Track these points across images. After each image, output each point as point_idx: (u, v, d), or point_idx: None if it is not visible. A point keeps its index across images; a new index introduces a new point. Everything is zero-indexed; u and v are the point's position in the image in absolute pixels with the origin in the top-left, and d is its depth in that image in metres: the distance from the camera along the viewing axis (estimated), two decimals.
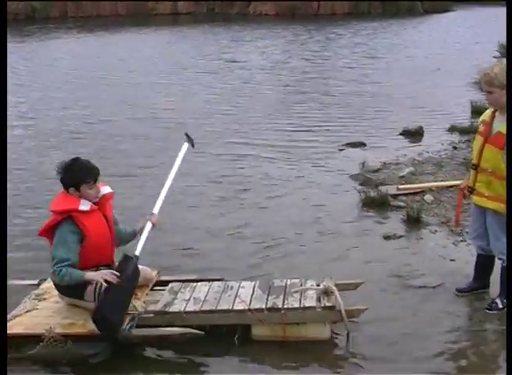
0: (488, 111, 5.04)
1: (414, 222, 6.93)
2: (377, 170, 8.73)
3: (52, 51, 22.64)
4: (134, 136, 10.94)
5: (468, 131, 10.33)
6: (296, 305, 4.71)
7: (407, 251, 6.34)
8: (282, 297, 4.81)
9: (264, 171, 8.94)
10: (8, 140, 9.99)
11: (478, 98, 12.23)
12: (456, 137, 10.51)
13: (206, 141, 10.45)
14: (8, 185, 7.94)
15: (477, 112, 11.05)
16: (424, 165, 8.97)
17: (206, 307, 4.75)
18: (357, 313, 4.78)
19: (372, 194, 7.58)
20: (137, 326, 4.61)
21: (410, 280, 5.67)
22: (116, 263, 4.87)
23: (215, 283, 5.13)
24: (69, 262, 4.56)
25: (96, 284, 4.67)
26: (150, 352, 4.70)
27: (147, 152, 9.78)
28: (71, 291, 4.76)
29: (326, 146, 10.21)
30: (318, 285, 4.93)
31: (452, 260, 6.06)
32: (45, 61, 20.20)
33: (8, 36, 23.83)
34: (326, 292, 4.79)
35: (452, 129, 10.98)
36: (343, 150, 10.01)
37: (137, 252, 4.80)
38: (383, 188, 7.83)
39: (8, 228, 6.05)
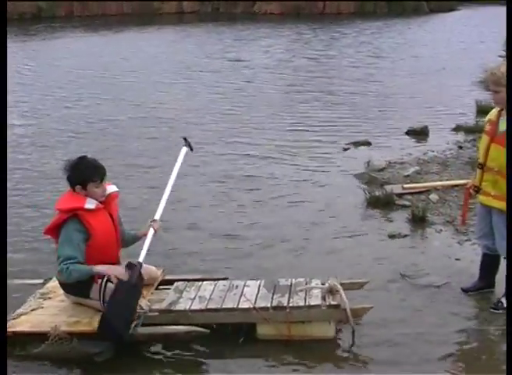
0: (494, 110, 5.03)
1: (419, 221, 6.92)
2: (382, 169, 8.72)
3: (56, 50, 22.68)
4: (137, 135, 10.94)
5: (474, 131, 10.32)
6: (302, 303, 4.70)
7: (412, 251, 6.33)
8: (287, 295, 4.81)
9: (269, 171, 8.94)
10: (11, 139, 10.17)
11: (484, 98, 12.22)
12: (461, 137, 10.50)
13: (210, 140, 10.47)
14: (10, 184, 8.02)
15: (482, 111, 11.07)
16: (430, 164, 8.95)
17: (211, 305, 4.75)
18: (362, 312, 4.78)
19: (377, 193, 7.58)
20: (143, 325, 4.62)
21: (416, 279, 5.66)
22: (122, 263, 4.88)
23: (220, 282, 5.13)
24: (76, 260, 4.56)
25: (101, 283, 4.68)
26: (155, 351, 4.70)
27: (150, 152, 9.79)
28: (76, 289, 4.77)
29: (331, 145, 10.21)
30: (323, 284, 4.93)
31: (457, 259, 6.05)
32: (49, 60, 20.22)
33: (13, 35, 23.91)
34: (331, 291, 4.79)
35: (457, 128, 10.96)
36: (348, 149, 10.01)
37: (141, 259, 4.76)
38: (388, 187, 7.82)
39: (10, 228, 6.10)
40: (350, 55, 20.90)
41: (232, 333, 4.73)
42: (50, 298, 5.02)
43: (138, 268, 4.67)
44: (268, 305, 4.70)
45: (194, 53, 21.56)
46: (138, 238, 5.13)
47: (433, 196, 7.57)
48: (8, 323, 4.61)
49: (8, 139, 9.35)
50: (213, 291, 4.97)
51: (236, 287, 5.00)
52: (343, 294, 4.69)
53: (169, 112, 12.72)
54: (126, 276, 4.58)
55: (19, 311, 4.81)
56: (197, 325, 4.59)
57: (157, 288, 5.17)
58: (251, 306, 4.69)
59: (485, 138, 4.99)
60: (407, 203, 7.43)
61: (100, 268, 4.64)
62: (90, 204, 4.68)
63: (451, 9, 40.43)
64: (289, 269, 5.81)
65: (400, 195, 7.66)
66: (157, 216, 5.08)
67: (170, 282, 5.22)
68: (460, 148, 9.76)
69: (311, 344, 4.66)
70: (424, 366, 4.45)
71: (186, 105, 13.47)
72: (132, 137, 10.89)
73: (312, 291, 4.84)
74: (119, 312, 4.49)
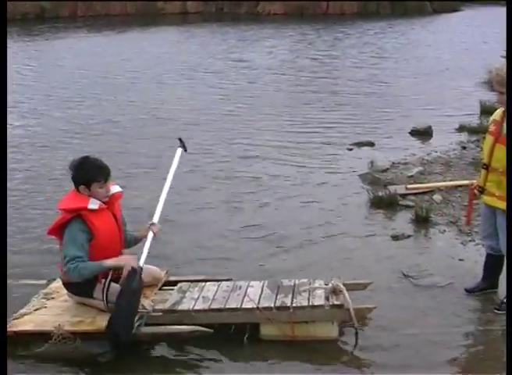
0: (498, 110, 5.03)
1: (422, 221, 6.91)
2: (385, 170, 8.71)
3: (59, 50, 22.67)
4: (140, 136, 10.93)
5: (477, 131, 10.30)
6: (305, 303, 4.70)
7: (416, 251, 6.33)
8: (290, 296, 4.81)
9: (272, 171, 8.93)
10: (12, 139, 10.17)
11: (487, 98, 12.19)
12: (465, 137, 10.48)
13: (213, 141, 10.47)
14: (11, 185, 8.03)
15: (486, 112, 11.05)
16: (433, 164, 8.94)
17: (215, 305, 4.75)
18: (365, 312, 4.79)
19: (381, 193, 7.57)
20: (146, 325, 4.62)
21: (419, 279, 5.66)
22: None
23: (224, 283, 5.13)
24: (82, 259, 4.57)
25: (104, 283, 4.69)
26: (158, 351, 4.71)
27: (153, 152, 9.78)
28: (80, 289, 4.77)
29: (335, 146, 10.20)
30: (326, 285, 4.92)
31: (461, 260, 6.05)
32: (51, 60, 20.21)
33: (15, 35, 23.88)
34: (335, 291, 4.79)
35: (461, 129, 10.94)
36: (351, 149, 10.00)
37: (141, 263, 4.76)
38: (392, 188, 7.81)
39: (11, 229, 6.12)
40: (353, 56, 20.88)
41: (235, 333, 4.73)
42: (53, 298, 5.03)
43: (139, 273, 4.67)
44: (272, 305, 4.70)
45: (198, 53, 21.55)
46: (139, 240, 5.13)
47: (437, 196, 7.56)
48: (11, 323, 4.63)
49: (9, 139, 9.37)
50: (216, 291, 4.97)
51: (240, 287, 5.00)
52: (347, 295, 4.68)
53: (172, 112, 12.72)
54: (136, 264, 4.63)
55: (22, 311, 4.82)
56: (200, 325, 4.59)
57: (160, 289, 5.17)
58: (255, 306, 4.69)
59: (489, 139, 4.99)
60: (410, 204, 7.43)
61: (110, 262, 4.66)
62: (94, 204, 4.68)
63: (454, 10, 40.35)
64: (292, 269, 5.81)
65: (404, 196, 7.65)
66: (155, 219, 5.06)
67: (173, 283, 5.22)
68: (464, 148, 9.75)
69: (314, 344, 4.66)
70: (427, 366, 4.45)
71: (189, 105, 13.46)
72: (134, 137, 10.88)
73: (315, 292, 4.84)
74: (121, 316, 4.51)
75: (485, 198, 5.09)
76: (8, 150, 9.15)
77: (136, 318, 4.60)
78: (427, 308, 5.20)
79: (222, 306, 4.73)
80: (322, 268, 5.81)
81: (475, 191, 5.19)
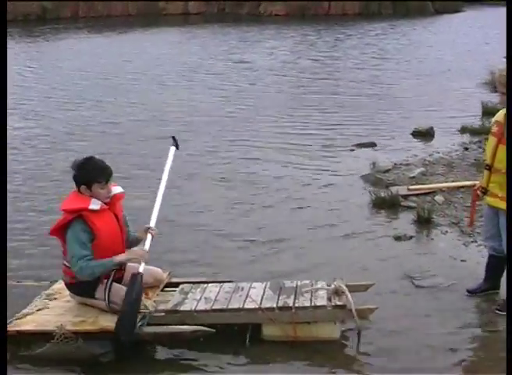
0: (501, 111, 5.02)
1: (424, 222, 6.91)
2: (387, 171, 8.71)
3: (60, 51, 22.71)
4: (140, 137, 10.92)
5: (479, 132, 10.31)
6: (307, 304, 4.70)
7: (418, 252, 6.33)
8: (292, 296, 4.81)
9: (274, 172, 8.92)
10: (13, 141, 10.18)
11: (489, 99, 12.19)
12: (467, 138, 10.48)
13: (215, 142, 10.48)
14: (14, 187, 8.04)
15: (488, 113, 11.06)
16: (435, 165, 8.94)
17: (217, 306, 4.75)
18: (367, 312, 4.77)
19: (383, 194, 7.57)
20: (148, 325, 4.62)
21: (421, 280, 5.65)
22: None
23: (226, 284, 5.12)
24: (90, 257, 4.58)
25: (106, 283, 4.69)
26: (160, 351, 4.71)
27: (154, 153, 9.76)
28: (81, 290, 4.78)
29: (337, 147, 10.20)
30: (328, 286, 4.92)
31: (463, 261, 6.05)
32: (52, 62, 20.25)
33: (16, 36, 23.90)
34: (337, 292, 4.79)
35: (463, 130, 10.94)
36: (353, 150, 10.00)
37: (141, 269, 4.74)
38: (394, 189, 7.81)
39: (12, 231, 6.10)
40: (354, 57, 20.89)
41: (237, 334, 4.72)
42: (56, 298, 5.03)
43: (139, 280, 4.66)
44: (274, 306, 4.70)
45: (199, 54, 21.57)
46: (139, 241, 5.12)
47: (439, 197, 7.56)
48: (14, 323, 4.64)
49: (10, 141, 9.40)
50: (218, 292, 4.97)
51: (242, 288, 5.00)
52: (349, 295, 4.68)
53: (173, 113, 12.72)
54: (146, 256, 4.69)
55: (24, 311, 4.82)
56: (202, 325, 4.59)
57: (162, 290, 5.16)
58: (257, 307, 4.69)
59: (492, 140, 4.99)
60: (412, 204, 7.42)
61: (119, 258, 4.68)
62: (95, 205, 4.67)
63: (456, 10, 40.35)
64: (294, 271, 5.80)
65: (406, 197, 7.64)
66: (152, 222, 4.98)
67: (175, 285, 5.22)
68: (466, 149, 9.74)
69: (316, 345, 4.66)
70: (429, 367, 4.44)
71: (189, 106, 13.46)
72: (135, 138, 10.88)
73: (318, 292, 4.84)
74: (123, 317, 4.52)
75: (488, 199, 5.09)
76: (9, 152, 9.18)
77: (139, 318, 4.60)
78: (429, 309, 5.19)
79: (225, 307, 4.73)
80: (324, 269, 5.80)
81: (478, 192, 5.19)
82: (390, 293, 5.44)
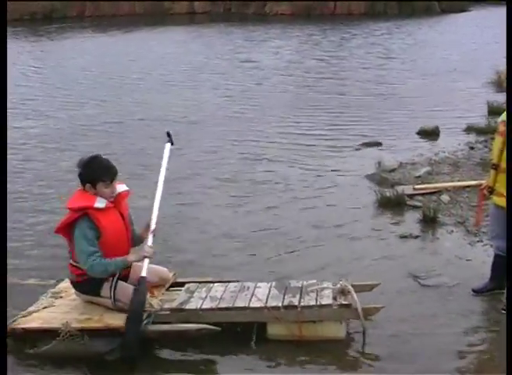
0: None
1: (430, 222, 6.90)
2: (393, 170, 8.70)
3: (65, 51, 22.73)
4: (144, 136, 10.90)
5: (485, 131, 10.27)
6: (313, 303, 4.70)
7: (423, 251, 6.32)
8: (298, 296, 4.81)
9: (280, 173, 8.92)
10: (16, 141, 10.19)
11: (495, 99, 12.16)
12: (472, 138, 10.44)
13: (220, 142, 10.47)
14: (17, 187, 8.06)
15: (493, 112, 11.03)
16: (441, 165, 8.92)
17: (222, 305, 4.75)
18: (373, 312, 4.77)
19: (388, 193, 7.56)
20: (154, 323, 4.63)
21: (427, 279, 5.65)
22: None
23: (232, 283, 5.13)
24: (99, 253, 4.59)
25: (112, 281, 4.70)
26: (165, 350, 4.71)
27: (159, 152, 9.72)
28: (87, 288, 4.79)
29: (342, 146, 10.20)
30: (334, 285, 4.92)
31: (468, 260, 6.04)
32: (57, 61, 20.26)
33: (22, 35, 23.95)
34: (343, 291, 4.78)
35: (468, 129, 10.91)
36: (359, 150, 10.00)
37: (144, 273, 4.73)
38: (399, 188, 7.80)
39: (12, 231, 6.11)
40: (360, 57, 20.85)
41: (242, 333, 4.72)
42: (62, 296, 5.06)
43: (144, 287, 4.66)
44: (280, 305, 4.70)
45: (204, 54, 21.56)
46: (143, 239, 5.11)
47: (444, 197, 7.54)
48: (19, 320, 4.66)
49: (14, 141, 9.44)
50: (224, 291, 4.97)
51: (247, 288, 5.00)
52: (354, 295, 4.68)
53: (178, 113, 12.70)
54: (151, 252, 4.73)
55: (30, 309, 4.85)
56: (207, 324, 4.59)
57: (168, 290, 5.17)
58: (263, 305, 4.69)
59: (498, 139, 4.99)
60: (418, 204, 7.41)
61: (132, 257, 4.72)
62: (100, 203, 4.68)
63: (462, 10, 40.24)
64: (300, 270, 5.80)
65: (411, 196, 7.64)
66: (152, 222, 4.93)
67: (181, 284, 5.23)
68: (472, 148, 9.72)
69: (321, 344, 4.65)
70: (434, 366, 4.44)
71: (194, 106, 13.46)
72: (139, 137, 10.88)
73: (323, 292, 4.84)
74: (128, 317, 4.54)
75: (495, 199, 5.09)
76: (13, 151, 9.23)
77: (144, 316, 4.61)
78: (434, 309, 5.18)
79: (230, 305, 4.74)
80: (330, 268, 5.81)
81: (485, 191, 5.18)
82: (396, 292, 5.44)
